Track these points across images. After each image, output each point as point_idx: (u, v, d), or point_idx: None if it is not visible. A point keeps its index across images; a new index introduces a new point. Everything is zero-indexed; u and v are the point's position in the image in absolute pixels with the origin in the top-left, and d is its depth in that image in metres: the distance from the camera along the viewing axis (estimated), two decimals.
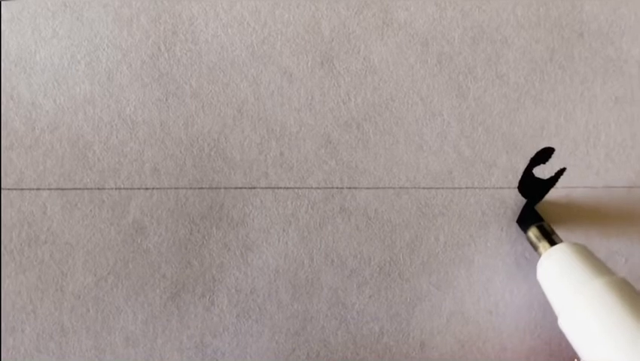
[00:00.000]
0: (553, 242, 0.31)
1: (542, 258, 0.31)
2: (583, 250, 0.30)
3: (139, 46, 0.34)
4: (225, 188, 0.34)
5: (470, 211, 0.34)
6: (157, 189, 0.34)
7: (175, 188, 0.34)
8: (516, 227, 0.34)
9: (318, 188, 0.34)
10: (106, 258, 0.34)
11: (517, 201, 0.34)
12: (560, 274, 0.30)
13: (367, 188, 0.34)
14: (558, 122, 0.34)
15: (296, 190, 0.34)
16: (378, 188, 0.34)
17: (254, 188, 0.34)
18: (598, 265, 0.29)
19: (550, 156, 0.34)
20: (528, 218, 0.33)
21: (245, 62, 0.34)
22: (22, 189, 0.33)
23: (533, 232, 0.32)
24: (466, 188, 0.34)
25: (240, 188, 0.34)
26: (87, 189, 0.34)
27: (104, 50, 0.34)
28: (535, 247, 0.32)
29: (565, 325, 0.28)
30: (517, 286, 0.34)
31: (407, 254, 0.34)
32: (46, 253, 0.33)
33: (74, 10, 0.33)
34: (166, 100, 0.34)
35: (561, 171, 0.34)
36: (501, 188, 0.34)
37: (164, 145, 0.34)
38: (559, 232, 0.33)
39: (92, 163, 0.34)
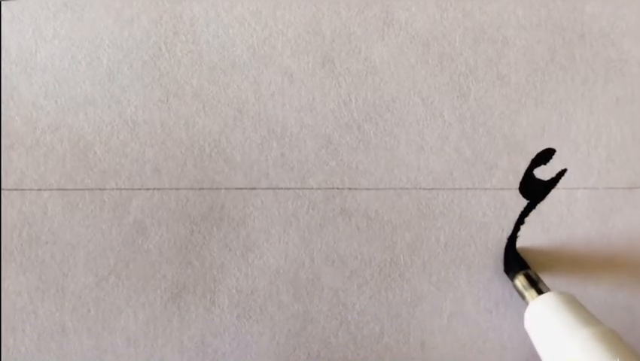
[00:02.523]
0: (539, 291, 0.31)
1: (529, 307, 0.31)
2: (570, 299, 0.30)
3: (140, 46, 0.34)
4: (226, 188, 0.34)
5: (471, 212, 0.34)
6: (158, 189, 0.34)
7: (176, 188, 0.34)
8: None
9: (318, 189, 0.34)
10: (107, 258, 0.34)
11: (518, 202, 0.34)
12: (548, 324, 0.29)
13: (368, 189, 0.34)
14: (559, 123, 0.34)
15: (296, 191, 0.34)
16: (379, 189, 0.34)
17: (255, 188, 0.34)
18: (586, 314, 0.29)
19: (551, 157, 0.34)
20: (514, 265, 0.33)
21: (246, 63, 0.34)
22: (23, 190, 0.33)
23: (520, 281, 0.32)
24: (467, 189, 0.34)
25: (241, 188, 0.34)
26: (88, 189, 0.34)
27: (105, 50, 0.34)
28: (522, 296, 0.32)
29: None
30: None
31: (408, 255, 0.34)
32: (47, 253, 0.34)
33: (75, 11, 0.33)
34: (167, 100, 0.34)
35: (562, 172, 0.34)
36: (501, 189, 0.34)
37: (165, 145, 0.34)
38: (562, 232, 0.33)
39: (93, 164, 0.34)
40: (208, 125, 0.34)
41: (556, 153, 0.34)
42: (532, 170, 0.34)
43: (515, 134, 0.34)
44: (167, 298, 0.34)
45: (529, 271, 0.33)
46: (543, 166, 0.34)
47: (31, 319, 0.34)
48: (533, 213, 0.34)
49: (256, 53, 0.34)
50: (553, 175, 0.34)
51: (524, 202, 0.34)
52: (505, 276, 0.34)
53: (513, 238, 0.34)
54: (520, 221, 0.34)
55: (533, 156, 0.34)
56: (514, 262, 0.33)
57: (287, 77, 0.34)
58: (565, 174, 0.34)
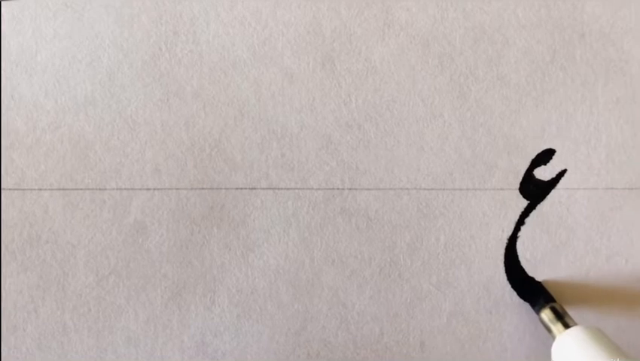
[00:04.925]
0: (566, 325, 0.31)
1: (556, 341, 0.31)
2: (597, 334, 0.30)
3: (140, 46, 0.34)
4: (226, 188, 0.34)
5: (471, 212, 0.34)
6: (158, 189, 0.34)
7: (176, 188, 0.34)
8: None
9: (318, 189, 0.34)
10: (107, 258, 0.34)
11: (518, 202, 0.34)
12: (576, 359, 0.29)
13: (368, 189, 0.34)
14: (559, 124, 0.34)
15: (297, 191, 0.34)
16: (379, 189, 0.34)
17: (255, 188, 0.34)
18: (614, 349, 0.29)
19: (551, 158, 0.34)
20: (540, 298, 0.33)
21: (246, 63, 0.34)
22: (23, 190, 0.33)
23: (546, 314, 0.32)
24: (467, 189, 0.34)
25: (241, 188, 0.34)
26: (89, 189, 0.34)
27: (105, 50, 0.34)
28: (549, 330, 0.32)
29: None
30: None
31: (408, 255, 0.34)
32: (47, 252, 0.34)
33: (75, 10, 0.33)
34: (167, 100, 0.34)
35: (562, 173, 0.34)
36: (501, 189, 0.34)
37: (165, 145, 0.34)
38: (562, 232, 0.33)
39: (93, 163, 0.34)
40: (209, 125, 0.34)
41: (556, 154, 0.34)
42: (532, 170, 0.34)
43: (515, 135, 0.34)
44: (167, 298, 0.34)
45: (555, 305, 0.32)
46: (543, 166, 0.34)
47: (32, 318, 0.34)
48: (533, 214, 0.34)
49: (256, 52, 0.34)
50: (553, 175, 0.34)
51: (524, 202, 0.34)
52: (505, 276, 0.34)
53: (513, 239, 0.34)
54: (520, 221, 0.34)
55: (533, 156, 0.34)
56: (539, 295, 0.33)
57: (287, 77, 0.34)
58: (565, 175, 0.34)
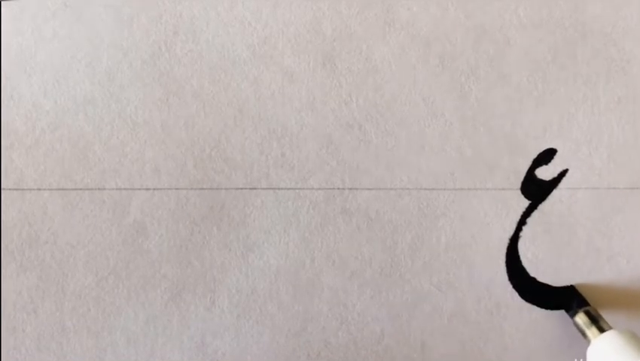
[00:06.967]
0: (601, 328, 0.31)
1: (592, 345, 0.31)
2: (633, 338, 0.30)
3: (140, 46, 0.34)
4: (226, 188, 0.34)
5: (472, 212, 0.34)
6: (158, 189, 0.34)
7: (176, 188, 0.34)
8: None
9: (319, 189, 0.34)
10: (107, 258, 0.34)
11: (519, 202, 0.34)
12: None
13: (369, 189, 0.34)
14: (560, 123, 0.34)
15: (297, 191, 0.34)
16: (379, 189, 0.34)
17: (255, 188, 0.34)
18: None
19: (552, 157, 0.34)
20: (573, 303, 0.33)
21: (246, 62, 0.34)
22: (22, 190, 0.33)
23: (581, 318, 0.32)
24: (468, 189, 0.34)
25: (241, 188, 0.34)
26: (88, 189, 0.34)
27: (104, 49, 0.34)
28: (583, 333, 0.32)
29: None
30: None
31: (408, 255, 0.34)
32: (47, 253, 0.34)
33: (75, 10, 0.33)
34: (167, 100, 0.34)
35: (563, 173, 0.34)
36: (503, 189, 0.34)
37: (165, 145, 0.34)
38: (563, 232, 0.33)
39: (92, 163, 0.34)
40: (208, 125, 0.34)
41: (557, 153, 0.34)
42: (534, 170, 0.34)
43: (516, 134, 0.34)
44: (167, 298, 0.34)
45: (589, 309, 0.32)
46: (544, 166, 0.34)
47: (31, 318, 0.34)
48: (535, 214, 0.34)
49: (256, 52, 0.34)
50: (555, 175, 0.34)
51: (525, 202, 0.34)
52: (505, 277, 0.34)
53: (514, 239, 0.34)
54: (522, 221, 0.34)
55: (534, 155, 0.34)
56: (572, 299, 0.33)
57: (287, 76, 0.34)
58: (567, 174, 0.34)
